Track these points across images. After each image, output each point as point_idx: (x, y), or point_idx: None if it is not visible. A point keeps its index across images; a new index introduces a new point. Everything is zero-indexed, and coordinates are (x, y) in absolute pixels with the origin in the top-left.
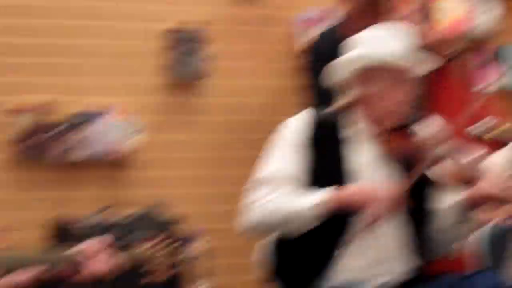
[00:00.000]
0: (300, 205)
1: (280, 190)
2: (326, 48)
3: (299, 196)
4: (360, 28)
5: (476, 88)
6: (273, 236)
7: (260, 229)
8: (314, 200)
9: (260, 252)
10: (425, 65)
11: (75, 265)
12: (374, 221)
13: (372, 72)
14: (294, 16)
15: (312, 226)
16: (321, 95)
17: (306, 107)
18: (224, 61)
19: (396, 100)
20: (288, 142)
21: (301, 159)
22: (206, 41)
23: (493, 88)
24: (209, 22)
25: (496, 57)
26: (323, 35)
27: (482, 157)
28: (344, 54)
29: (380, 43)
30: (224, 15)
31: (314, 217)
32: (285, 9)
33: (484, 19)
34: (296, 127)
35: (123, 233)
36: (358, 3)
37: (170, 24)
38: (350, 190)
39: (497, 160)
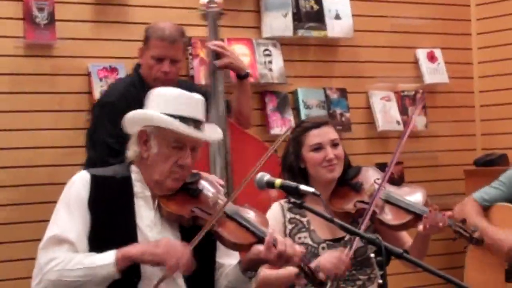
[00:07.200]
0: (93, 265)
1: (69, 252)
2: (120, 99)
3: (89, 257)
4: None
5: (272, 131)
6: None
7: None
8: (102, 260)
9: None
10: (217, 133)
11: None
12: (163, 279)
13: (154, 134)
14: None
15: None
16: (111, 149)
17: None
18: None
19: (176, 164)
20: (71, 201)
21: (83, 219)
22: None
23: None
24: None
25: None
26: (115, 86)
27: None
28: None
29: (170, 105)
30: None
31: (106, 277)
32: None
33: (269, 67)
34: (77, 186)
35: None
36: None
37: None
38: (142, 248)
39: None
